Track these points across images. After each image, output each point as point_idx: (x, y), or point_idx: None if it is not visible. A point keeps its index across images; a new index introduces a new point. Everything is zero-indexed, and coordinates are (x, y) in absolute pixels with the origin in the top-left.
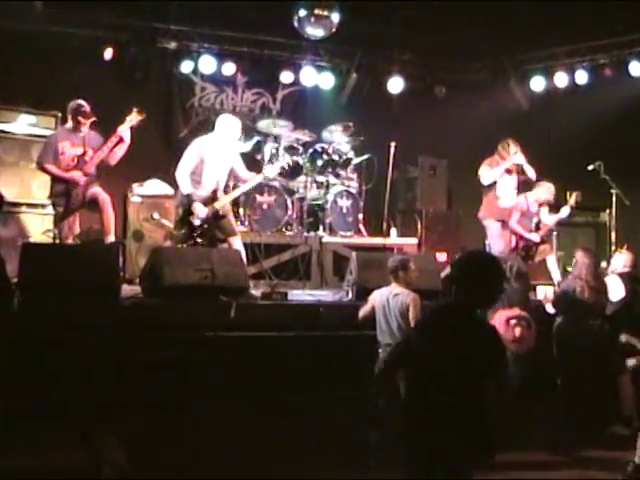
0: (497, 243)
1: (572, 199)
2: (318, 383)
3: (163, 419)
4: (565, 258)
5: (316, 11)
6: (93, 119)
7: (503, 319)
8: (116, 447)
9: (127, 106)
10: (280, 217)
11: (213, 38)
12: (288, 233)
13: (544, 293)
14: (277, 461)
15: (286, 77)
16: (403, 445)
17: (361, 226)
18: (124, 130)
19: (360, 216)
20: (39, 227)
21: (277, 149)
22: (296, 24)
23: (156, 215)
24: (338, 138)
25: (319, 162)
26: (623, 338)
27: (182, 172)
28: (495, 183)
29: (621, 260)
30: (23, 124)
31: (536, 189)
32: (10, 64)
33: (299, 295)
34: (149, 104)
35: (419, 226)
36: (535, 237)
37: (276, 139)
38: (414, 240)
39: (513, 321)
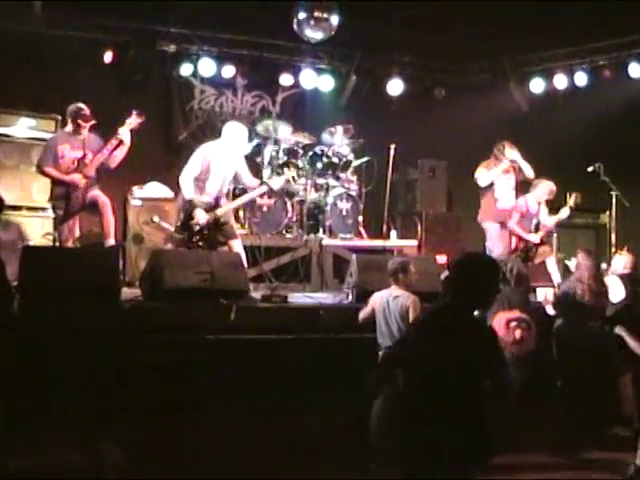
0: (497, 245)
1: (571, 200)
2: (318, 386)
3: (163, 421)
4: (565, 256)
5: (315, 14)
6: (93, 122)
7: (503, 321)
8: (116, 449)
9: (127, 109)
10: (280, 220)
11: (213, 41)
12: (288, 236)
13: (544, 295)
14: (277, 463)
15: (286, 80)
16: (400, 444)
17: (361, 228)
18: (124, 133)
19: (360, 218)
20: (39, 230)
21: (277, 152)
22: (295, 27)
23: (156, 218)
24: (338, 140)
25: (319, 165)
26: (617, 329)
27: (186, 177)
28: (492, 185)
29: (621, 262)
30: (23, 127)
31: (535, 189)
32: (10, 67)
33: (299, 298)
34: (149, 107)
35: (419, 228)
36: (535, 238)
37: (276, 142)
38: (414, 242)
39: (513, 323)
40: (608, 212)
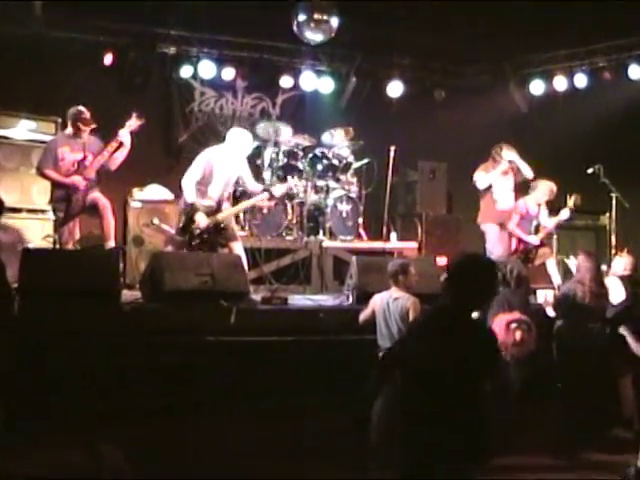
0: (496, 247)
1: (571, 202)
2: (318, 387)
3: (164, 423)
4: (564, 253)
5: (315, 16)
6: (93, 126)
7: (503, 323)
8: (116, 451)
9: (127, 111)
10: (280, 222)
11: (213, 43)
12: (288, 238)
13: (544, 296)
14: (277, 465)
15: (286, 82)
16: (399, 445)
17: (361, 230)
18: (124, 135)
19: (360, 220)
20: (39, 232)
21: (277, 154)
22: (295, 29)
23: (156, 220)
24: (338, 142)
25: (319, 166)
26: (621, 329)
27: (188, 181)
28: (491, 187)
29: (621, 263)
30: (23, 130)
31: (535, 191)
32: (10, 69)
33: (299, 300)
34: (149, 109)
35: (419, 230)
36: (534, 240)
37: (276, 144)
38: (414, 244)
39: (513, 325)
40: (608, 214)
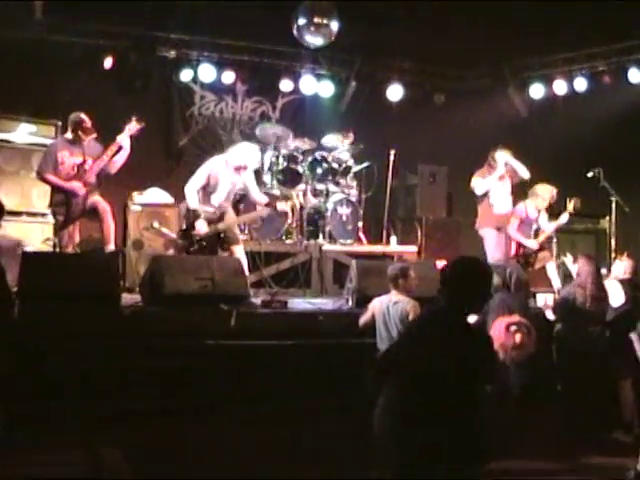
0: (495, 252)
1: (571, 205)
2: (318, 391)
3: (163, 426)
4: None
5: (315, 19)
6: (94, 136)
7: (503, 325)
8: (116, 455)
9: (127, 115)
10: (280, 225)
11: (213, 46)
12: (288, 241)
13: (544, 300)
14: (277, 469)
15: (286, 85)
16: (396, 446)
17: (361, 234)
18: (123, 139)
19: (360, 224)
20: (39, 236)
21: (277, 157)
22: (295, 32)
23: (156, 224)
24: (338, 146)
25: (319, 170)
26: (631, 335)
27: (191, 187)
28: (488, 192)
29: (621, 267)
30: (23, 133)
31: (536, 198)
32: (10, 73)
33: (299, 303)
34: (149, 113)
35: (419, 233)
36: (533, 244)
37: (276, 147)
38: (414, 248)
39: (513, 327)
40: (608, 217)
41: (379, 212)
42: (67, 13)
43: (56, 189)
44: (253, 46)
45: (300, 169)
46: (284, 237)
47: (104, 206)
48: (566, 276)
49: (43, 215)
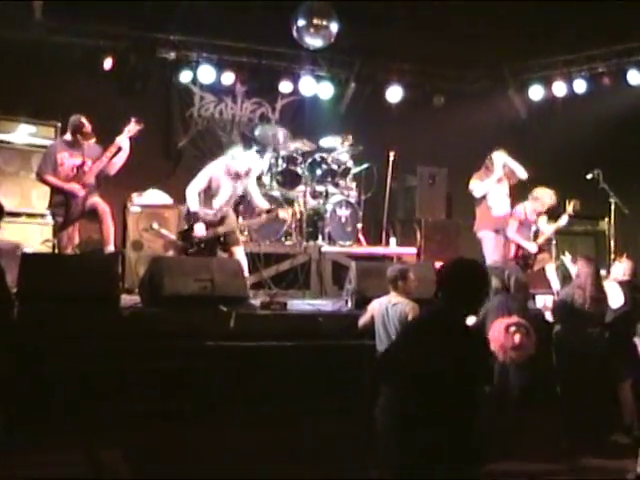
0: (493, 254)
1: (570, 207)
2: (318, 392)
3: (163, 428)
4: (561, 252)
5: (315, 21)
6: (93, 140)
7: (503, 326)
8: (116, 456)
9: (126, 116)
10: (279, 227)
11: (212, 48)
12: (287, 243)
13: (543, 302)
14: (277, 469)
15: (285, 87)
16: (395, 446)
17: (360, 235)
18: (122, 140)
19: (359, 225)
20: (38, 237)
21: (276, 159)
22: (295, 34)
23: (155, 225)
24: (337, 147)
25: (318, 172)
26: (636, 339)
27: (191, 190)
28: (486, 194)
29: (621, 269)
30: (23, 134)
31: (536, 202)
32: (10, 74)
33: (298, 304)
34: (148, 114)
35: (418, 235)
36: (532, 247)
37: (275, 149)
38: (413, 249)
39: (512, 328)
40: (607, 219)
41: (378, 214)
42: (67, 14)
43: (55, 190)
44: (253, 47)
45: (299, 170)
46: (283, 238)
47: (103, 207)
48: (565, 277)
49: (42, 216)
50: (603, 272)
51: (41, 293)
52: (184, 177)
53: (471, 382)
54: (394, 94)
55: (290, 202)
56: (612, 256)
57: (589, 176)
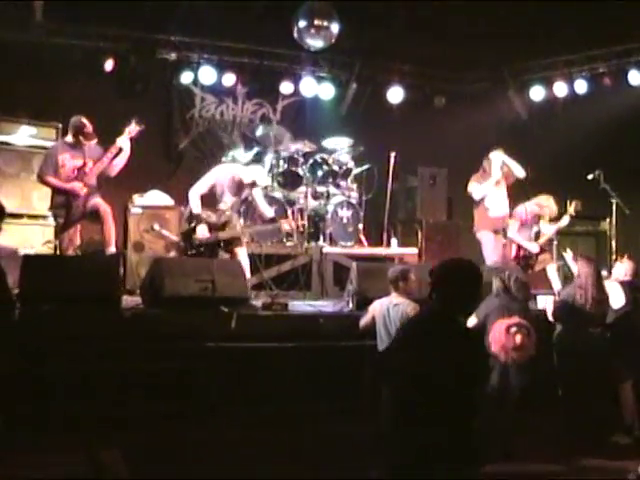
0: (492, 254)
1: (571, 208)
2: (318, 393)
3: (164, 429)
4: (564, 245)
5: (316, 22)
6: (94, 141)
7: (503, 327)
8: (116, 456)
9: (127, 117)
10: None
11: (213, 49)
12: (288, 244)
13: (544, 302)
14: (277, 471)
15: (286, 88)
16: (393, 446)
17: (361, 236)
18: (123, 141)
19: (360, 226)
20: (40, 238)
21: (277, 160)
22: (296, 35)
23: (156, 226)
24: (338, 148)
25: (319, 172)
26: None
27: (194, 192)
28: (484, 196)
29: (622, 269)
30: (24, 135)
31: (537, 207)
32: (11, 75)
33: (299, 305)
34: (149, 115)
35: (419, 236)
36: (534, 247)
37: (276, 150)
38: (414, 250)
39: (513, 329)
40: (608, 219)
41: (379, 214)
42: (67, 15)
43: (57, 191)
44: (253, 48)
45: (300, 171)
46: (285, 239)
47: (105, 208)
48: (566, 278)
49: (44, 217)
50: (604, 272)
51: (42, 294)
52: (185, 178)
53: (470, 382)
54: (395, 95)
55: (291, 202)
56: (613, 256)
57: (590, 176)
